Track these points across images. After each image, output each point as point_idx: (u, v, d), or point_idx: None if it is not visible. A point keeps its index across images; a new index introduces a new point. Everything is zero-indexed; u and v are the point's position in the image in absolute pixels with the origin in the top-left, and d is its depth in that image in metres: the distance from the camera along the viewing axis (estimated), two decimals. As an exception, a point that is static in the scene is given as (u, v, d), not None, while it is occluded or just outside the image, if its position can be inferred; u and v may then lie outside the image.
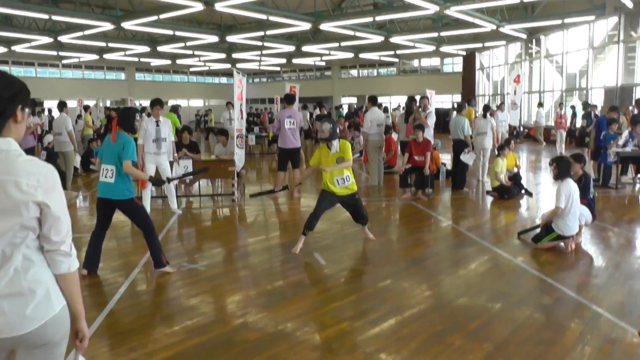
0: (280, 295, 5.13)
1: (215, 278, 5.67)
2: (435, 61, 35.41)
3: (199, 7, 16.65)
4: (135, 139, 10.04)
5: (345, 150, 6.49)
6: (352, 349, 3.96)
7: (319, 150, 6.68)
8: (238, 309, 4.75)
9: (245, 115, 11.43)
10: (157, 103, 8.63)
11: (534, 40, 25.38)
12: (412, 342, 4.05)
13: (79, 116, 20.19)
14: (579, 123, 18.07)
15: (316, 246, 6.91)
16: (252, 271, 6.01)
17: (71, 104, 24.20)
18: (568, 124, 18.48)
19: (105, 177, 5.48)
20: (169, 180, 7.30)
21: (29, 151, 11.85)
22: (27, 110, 2.13)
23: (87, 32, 21.64)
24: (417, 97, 11.75)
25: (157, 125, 8.60)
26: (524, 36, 23.99)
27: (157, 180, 6.20)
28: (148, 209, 8.75)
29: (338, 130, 6.61)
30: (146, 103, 19.12)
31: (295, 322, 4.44)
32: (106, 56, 30.52)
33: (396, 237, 7.60)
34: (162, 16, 18.47)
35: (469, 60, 31.84)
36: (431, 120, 10.99)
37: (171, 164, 9.02)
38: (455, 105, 14.22)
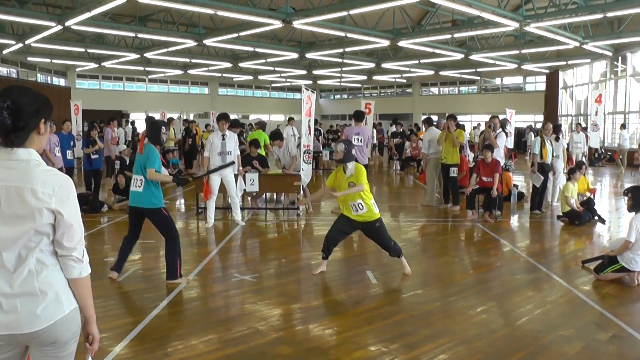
0: (324, 311, 5.13)
1: (262, 291, 5.74)
2: (517, 79, 34.35)
3: (278, 24, 17.08)
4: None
5: (358, 175, 6.04)
6: (383, 371, 3.89)
7: (335, 172, 6.30)
8: (278, 323, 4.79)
9: (313, 131, 11.54)
10: (222, 118, 8.90)
11: (619, 58, 24.07)
12: (447, 369, 3.93)
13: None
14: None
15: (370, 265, 6.87)
16: (301, 286, 6.05)
17: (155, 116, 25.43)
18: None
19: (135, 186, 5.77)
20: (194, 178, 7.46)
21: (109, 159, 12.59)
22: (49, 123, 2.28)
23: (171, 49, 22.73)
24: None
25: (223, 139, 8.88)
26: (609, 53, 22.80)
27: (180, 180, 6.13)
28: (212, 220, 9.05)
29: (354, 152, 6.22)
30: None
31: (331, 340, 4.42)
32: (190, 71, 31.87)
33: (453, 260, 7.38)
34: (242, 33, 19.09)
35: (552, 78, 30.63)
36: (501, 141, 10.65)
37: (236, 177, 9.25)
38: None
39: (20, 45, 21.73)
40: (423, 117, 30.56)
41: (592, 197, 10.02)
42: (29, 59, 27.46)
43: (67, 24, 16.74)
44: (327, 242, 6.32)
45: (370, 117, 17.22)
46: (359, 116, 10.66)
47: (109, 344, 4.18)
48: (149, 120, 6.70)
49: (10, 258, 2.10)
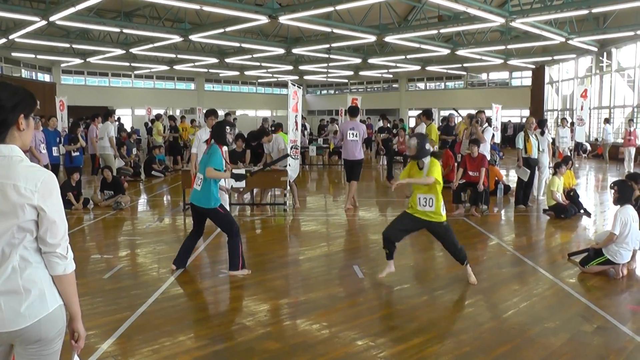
0: (311, 306, 5.13)
1: (250, 286, 5.74)
2: (503, 75, 34.52)
3: (264, 20, 17.01)
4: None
5: (431, 169, 5.58)
6: (371, 365, 3.91)
7: (409, 166, 5.91)
8: (266, 318, 4.79)
9: (300, 127, 11.52)
10: (211, 114, 8.85)
11: (605, 53, 24.29)
12: (434, 362, 3.95)
13: (146, 124, 20.89)
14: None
15: (357, 259, 6.88)
16: (289, 281, 6.05)
17: (141, 112, 25.24)
18: (638, 142, 17.38)
19: (196, 184, 5.93)
20: (251, 174, 7.00)
21: (94, 156, 12.46)
22: (32, 118, 2.25)
23: (157, 44, 22.52)
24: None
25: (210, 135, 8.82)
26: (595, 49, 23.01)
27: (237, 175, 6.08)
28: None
29: (428, 147, 5.71)
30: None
31: (319, 335, 4.43)
32: (176, 67, 31.66)
33: (440, 254, 7.39)
34: (228, 29, 18.99)
35: (538, 73, 30.85)
36: (488, 135, 10.70)
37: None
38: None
39: (4, 40, 21.44)
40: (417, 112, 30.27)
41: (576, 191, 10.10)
42: (13, 54, 27.08)
43: (51, 19, 16.54)
44: (385, 240, 5.89)
45: (357, 112, 17.18)
46: (353, 111, 10.63)
47: (96, 342, 4.15)
48: (215, 123, 6.54)
49: (-7, 255, 2.08)
